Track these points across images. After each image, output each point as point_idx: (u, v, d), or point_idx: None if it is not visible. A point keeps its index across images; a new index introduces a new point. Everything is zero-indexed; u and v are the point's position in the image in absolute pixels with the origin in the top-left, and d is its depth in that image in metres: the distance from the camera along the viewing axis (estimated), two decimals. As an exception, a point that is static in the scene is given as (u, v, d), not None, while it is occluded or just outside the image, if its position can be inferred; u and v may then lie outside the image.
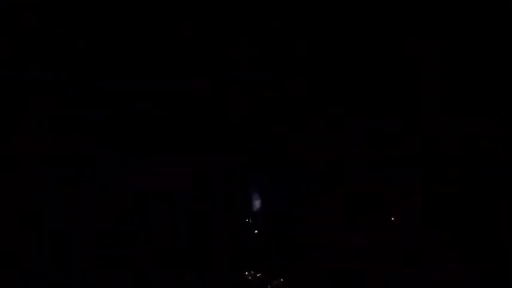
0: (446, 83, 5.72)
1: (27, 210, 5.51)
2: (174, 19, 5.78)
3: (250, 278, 5.56)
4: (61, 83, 5.64)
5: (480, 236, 5.56)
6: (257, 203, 5.71)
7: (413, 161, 5.68)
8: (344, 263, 5.56)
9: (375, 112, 5.73)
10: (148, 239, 5.57)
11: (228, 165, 5.73)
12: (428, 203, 5.63)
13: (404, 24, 5.76)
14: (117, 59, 5.74)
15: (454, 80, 5.70)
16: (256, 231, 5.71)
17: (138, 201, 5.61)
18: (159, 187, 5.64)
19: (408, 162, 5.68)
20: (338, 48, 5.80)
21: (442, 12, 5.72)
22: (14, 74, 5.61)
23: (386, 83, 5.74)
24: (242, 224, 5.71)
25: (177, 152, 5.72)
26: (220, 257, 5.59)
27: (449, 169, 5.68)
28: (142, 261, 5.50)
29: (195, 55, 5.78)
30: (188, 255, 5.57)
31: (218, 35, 5.81)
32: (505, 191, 5.60)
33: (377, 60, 5.75)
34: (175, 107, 5.76)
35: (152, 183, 5.64)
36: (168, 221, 5.63)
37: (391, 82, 5.74)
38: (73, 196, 5.57)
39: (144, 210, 5.60)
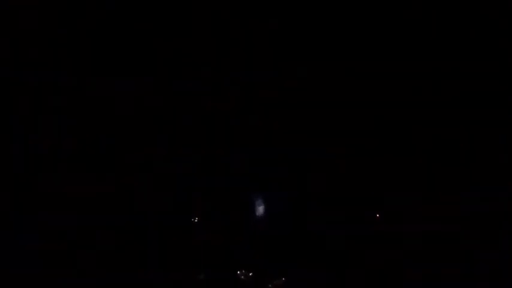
0: (446, 83, 5.72)
1: (27, 211, 5.52)
2: (174, 19, 5.77)
3: (242, 277, 5.57)
4: (61, 83, 5.65)
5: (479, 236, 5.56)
6: (257, 203, 5.71)
7: (414, 162, 5.69)
8: (345, 262, 5.57)
9: (375, 112, 5.73)
10: (159, 240, 5.58)
11: (228, 166, 5.73)
12: (429, 203, 5.63)
13: (404, 24, 5.76)
14: (117, 59, 5.73)
15: (454, 80, 5.70)
16: (257, 231, 5.71)
17: (143, 203, 5.63)
18: (161, 187, 5.65)
19: (409, 162, 5.69)
20: (338, 48, 5.79)
21: (442, 12, 5.72)
22: (14, 74, 5.61)
23: (386, 83, 5.74)
24: (243, 224, 5.72)
25: (177, 151, 5.72)
26: (225, 256, 5.60)
27: (449, 169, 5.69)
28: (155, 262, 5.51)
29: (195, 55, 5.78)
30: (201, 255, 5.58)
31: (218, 35, 5.80)
32: (505, 190, 5.60)
33: (377, 60, 5.75)
34: (175, 107, 5.76)
35: (154, 183, 5.65)
36: (173, 222, 5.64)
37: (391, 82, 5.74)
38: (75, 195, 5.58)
39: (151, 212, 5.62)
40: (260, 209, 5.70)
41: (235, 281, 5.54)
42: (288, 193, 5.71)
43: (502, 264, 5.45)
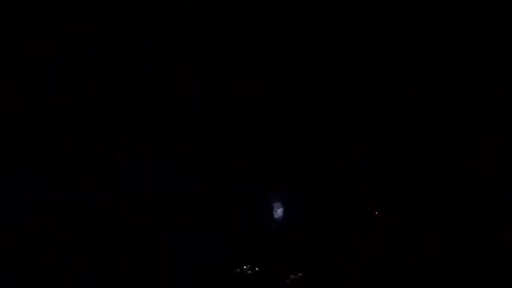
0: (446, 83, 5.74)
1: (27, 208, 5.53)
2: (174, 19, 5.78)
3: (249, 272, 5.59)
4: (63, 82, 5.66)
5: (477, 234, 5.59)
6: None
7: (417, 163, 5.71)
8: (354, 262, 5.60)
9: (376, 112, 5.76)
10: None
11: (229, 165, 5.75)
12: (432, 204, 5.65)
13: (404, 24, 5.78)
14: (116, 59, 5.74)
15: (454, 80, 5.73)
16: (268, 229, 5.73)
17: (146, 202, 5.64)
18: (165, 187, 5.67)
19: (411, 163, 5.71)
20: (338, 48, 5.81)
21: (442, 13, 5.74)
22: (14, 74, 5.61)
23: (386, 83, 5.76)
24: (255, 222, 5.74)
25: (178, 150, 5.73)
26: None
27: (449, 169, 5.71)
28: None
29: (195, 55, 5.79)
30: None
31: (218, 36, 5.81)
32: (505, 191, 5.62)
33: (377, 60, 5.77)
34: (175, 107, 5.77)
35: (160, 183, 5.66)
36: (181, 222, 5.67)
37: (390, 82, 5.76)
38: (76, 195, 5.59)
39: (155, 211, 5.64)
40: (275, 209, 5.72)
41: (241, 276, 5.56)
42: (289, 192, 5.74)
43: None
